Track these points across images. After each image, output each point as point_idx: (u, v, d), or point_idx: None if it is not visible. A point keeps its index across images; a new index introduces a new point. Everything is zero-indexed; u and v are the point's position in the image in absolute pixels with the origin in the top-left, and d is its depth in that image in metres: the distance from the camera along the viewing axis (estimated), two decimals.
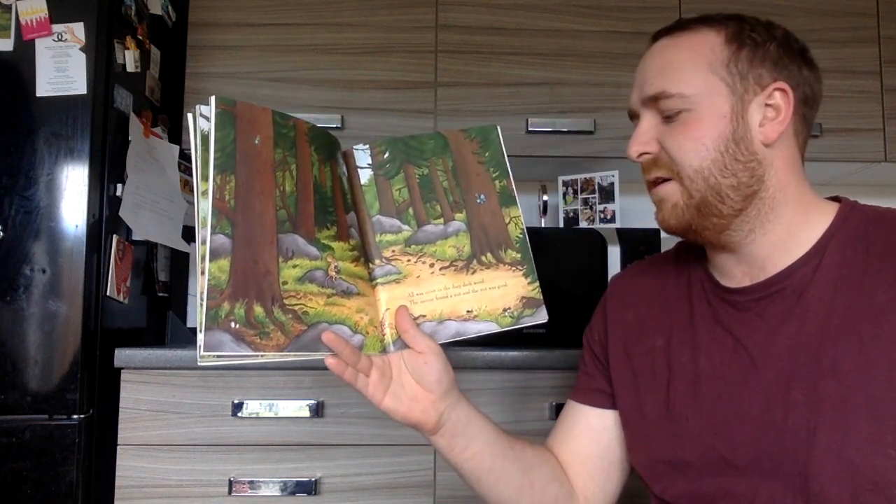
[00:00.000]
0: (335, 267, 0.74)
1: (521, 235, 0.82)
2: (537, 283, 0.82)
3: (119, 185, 1.38)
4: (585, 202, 1.81)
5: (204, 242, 0.64)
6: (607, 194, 1.78)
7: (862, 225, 0.74)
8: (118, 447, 1.29)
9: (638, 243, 1.58)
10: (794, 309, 0.73)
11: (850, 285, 0.71)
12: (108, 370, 1.30)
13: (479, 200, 0.82)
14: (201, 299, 0.63)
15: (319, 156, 0.75)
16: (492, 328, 0.80)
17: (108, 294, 1.33)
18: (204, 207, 0.65)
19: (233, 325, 0.64)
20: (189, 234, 1.59)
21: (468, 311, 0.80)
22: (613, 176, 1.78)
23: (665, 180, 0.77)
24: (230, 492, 1.29)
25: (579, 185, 1.82)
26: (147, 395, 1.30)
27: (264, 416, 1.31)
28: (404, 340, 0.77)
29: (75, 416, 1.24)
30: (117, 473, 1.29)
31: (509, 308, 0.81)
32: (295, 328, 0.68)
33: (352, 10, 1.71)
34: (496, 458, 0.82)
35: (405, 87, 1.70)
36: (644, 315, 0.87)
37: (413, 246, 0.80)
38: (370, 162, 0.81)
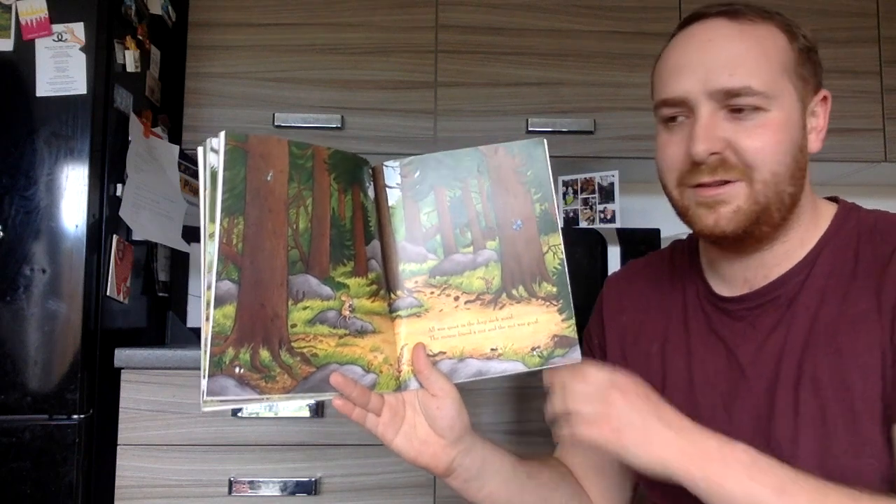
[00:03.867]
0: (349, 306, 0.71)
1: (559, 266, 0.74)
2: (573, 321, 0.74)
3: (119, 185, 1.38)
4: (585, 202, 1.80)
5: (209, 288, 0.63)
6: (607, 194, 1.78)
7: (854, 235, 0.73)
8: (118, 447, 1.29)
9: (638, 243, 1.58)
10: (783, 318, 0.73)
11: (835, 295, 0.71)
12: (108, 370, 1.30)
13: (515, 227, 0.75)
14: (205, 345, 0.62)
15: (339, 184, 0.72)
16: (517, 368, 0.74)
17: (108, 294, 1.33)
18: (210, 251, 0.63)
19: (237, 370, 0.63)
20: (189, 234, 1.59)
21: (493, 349, 0.73)
22: (613, 176, 1.78)
23: (727, 182, 0.70)
24: (230, 492, 1.29)
25: (579, 185, 1.82)
26: (147, 395, 1.30)
27: (264, 416, 1.31)
28: (419, 381, 0.73)
29: (75, 416, 1.24)
30: (117, 473, 1.29)
31: (538, 347, 0.73)
32: (303, 370, 0.67)
33: (352, 10, 1.71)
34: (513, 493, 0.80)
35: (405, 87, 1.70)
36: (640, 319, 0.87)
37: (438, 277, 0.74)
38: (399, 181, 0.75)
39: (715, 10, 0.73)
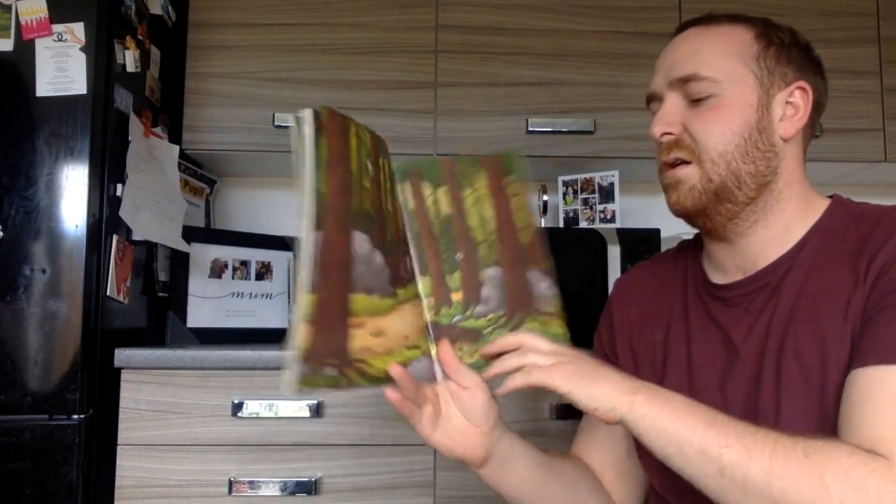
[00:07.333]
0: None
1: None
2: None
3: (119, 185, 1.37)
4: (585, 202, 1.80)
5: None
6: (607, 194, 1.78)
7: (843, 221, 0.77)
8: (118, 447, 1.29)
9: (638, 243, 1.58)
10: (771, 299, 0.76)
11: (819, 273, 0.74)
12: (108, 370, 1.30)
13: None
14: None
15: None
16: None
17: (108, 294, 1.32)
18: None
19: None
20: (189, 234, 1.58)
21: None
22: (613, 176, 1.78)
23: (683, 162, 0.77)
24: (230, 492, 1.29)
25: (579, 185, 1.82)
26: (147, 395, 1.30)
27: (264, 416, 1.30)
28: (448, 375, 0.75)
29: (75, 416, 1.24)
30: (117, 473, 1.29)
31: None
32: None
33: (352, 10, 1.71)
34: (541, 480, 0.82)
35: (405, 87, 1.70)
36: (646, 311, 0.90)
37: None
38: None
39: (693, 20, 0.82)
